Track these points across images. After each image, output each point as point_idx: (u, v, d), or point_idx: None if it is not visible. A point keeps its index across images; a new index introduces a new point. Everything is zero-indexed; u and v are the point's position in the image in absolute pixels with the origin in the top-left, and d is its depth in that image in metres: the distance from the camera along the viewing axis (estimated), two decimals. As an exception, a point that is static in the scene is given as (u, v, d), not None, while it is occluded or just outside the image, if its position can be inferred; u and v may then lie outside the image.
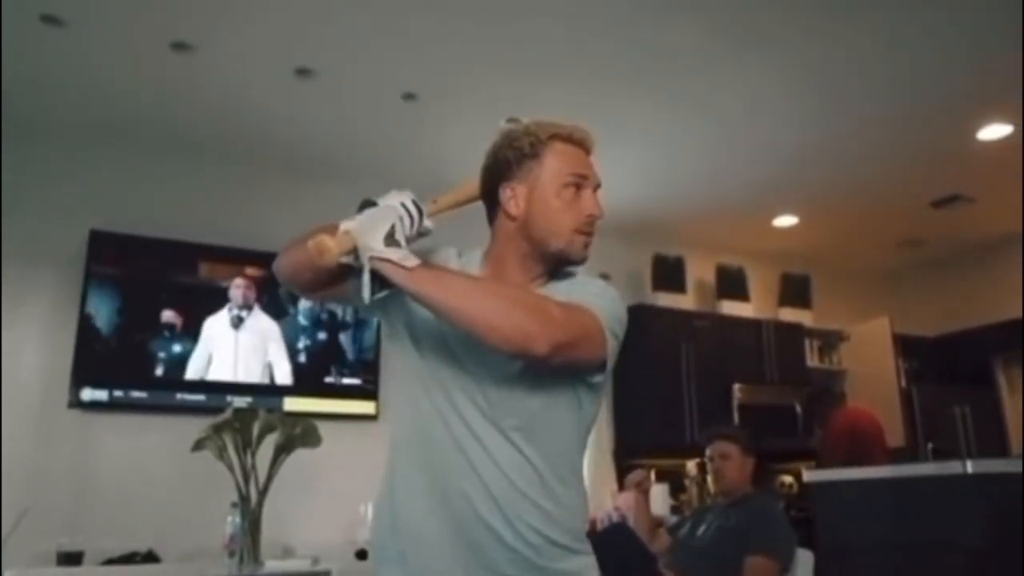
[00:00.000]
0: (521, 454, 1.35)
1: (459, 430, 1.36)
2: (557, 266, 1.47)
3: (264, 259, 4.23)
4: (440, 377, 1.40)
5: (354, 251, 1.26)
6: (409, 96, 4.02)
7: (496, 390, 1.36)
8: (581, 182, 1.44)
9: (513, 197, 1.44)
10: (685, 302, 5.76)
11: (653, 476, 5.08)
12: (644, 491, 3.41)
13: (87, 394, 4.08)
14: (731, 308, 5.94)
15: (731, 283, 6.03)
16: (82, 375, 4.08)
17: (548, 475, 1.36)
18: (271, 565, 3.39)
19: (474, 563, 1.33)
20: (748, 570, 2.81)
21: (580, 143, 1.47)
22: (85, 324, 4.13)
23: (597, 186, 1.48)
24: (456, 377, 1.38)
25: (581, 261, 1.47)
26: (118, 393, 4.16)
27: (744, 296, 6.04)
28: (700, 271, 6.03)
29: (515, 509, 1.33)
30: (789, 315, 6.19)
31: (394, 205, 1.29)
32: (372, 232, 1.25)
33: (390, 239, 1.25)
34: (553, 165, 1.43)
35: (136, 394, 4.20)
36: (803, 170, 5.01)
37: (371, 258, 1.24)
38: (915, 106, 4.24)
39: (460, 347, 1.38)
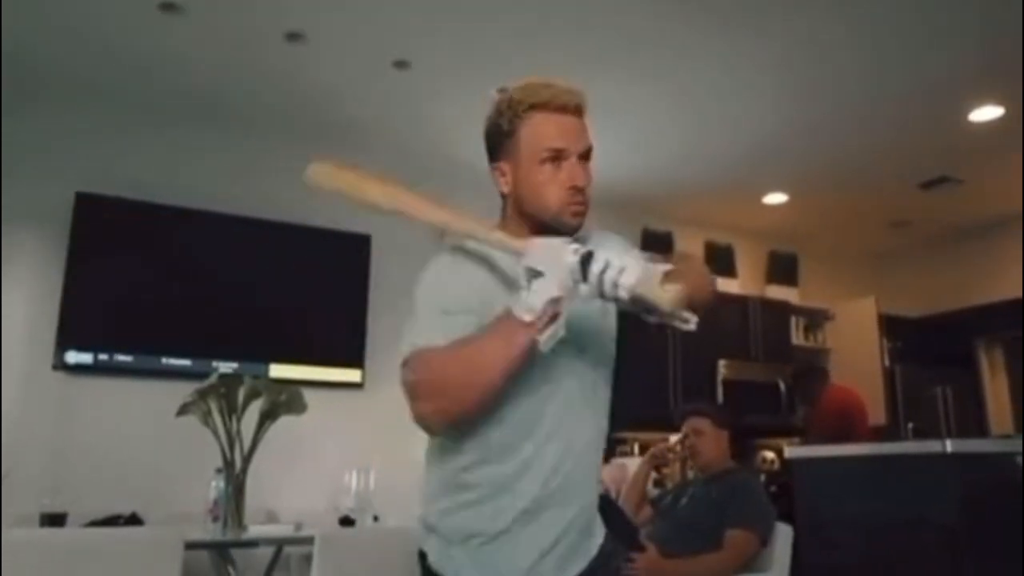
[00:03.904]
0: (599, 430, 1.52)
1: (561, 411, 1.43)
2: (559, 235, 1.40)
3: (252, 225, 4.25)
4: (551, 362, 1.37)
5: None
6: (401, 64, 3.98)
7: (594, 372, 1.51)
8: (559, 155, 1.40)
9: (502, 176, 1.45)
10: (673, 277, 5.76)
11: (637, 451, 5.13)
12: (656, 464, 3.48)
13: (72, 356, 4.06)
14: (718, 284, 5.93)
15: (719, 259, 6.06)
16: (67, 338, 4.06)
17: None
18: (254, 530, 3.39)
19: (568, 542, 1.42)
20: (728, 543, 2.84)
21: (563, 109, 1.42)
22: (70, 286, 4.10)
23: (587, 150, 1.43)
24: (568, 362, 1.43)
25: (574, 230, 1.42)
26: (103, 356, 4.14)
27: (732, 273, 6.07)
28: (689, 247, 6.02)
29: (594, 480, 1.50)
30: (776, 293, 6.22)
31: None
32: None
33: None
34: (529, 141, 1.41)
35: (121, 357, 4.19)
36: (794, 148, 5.00)
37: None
38: (906, 87, 4.23)
39: (579, 336, 1.42)
